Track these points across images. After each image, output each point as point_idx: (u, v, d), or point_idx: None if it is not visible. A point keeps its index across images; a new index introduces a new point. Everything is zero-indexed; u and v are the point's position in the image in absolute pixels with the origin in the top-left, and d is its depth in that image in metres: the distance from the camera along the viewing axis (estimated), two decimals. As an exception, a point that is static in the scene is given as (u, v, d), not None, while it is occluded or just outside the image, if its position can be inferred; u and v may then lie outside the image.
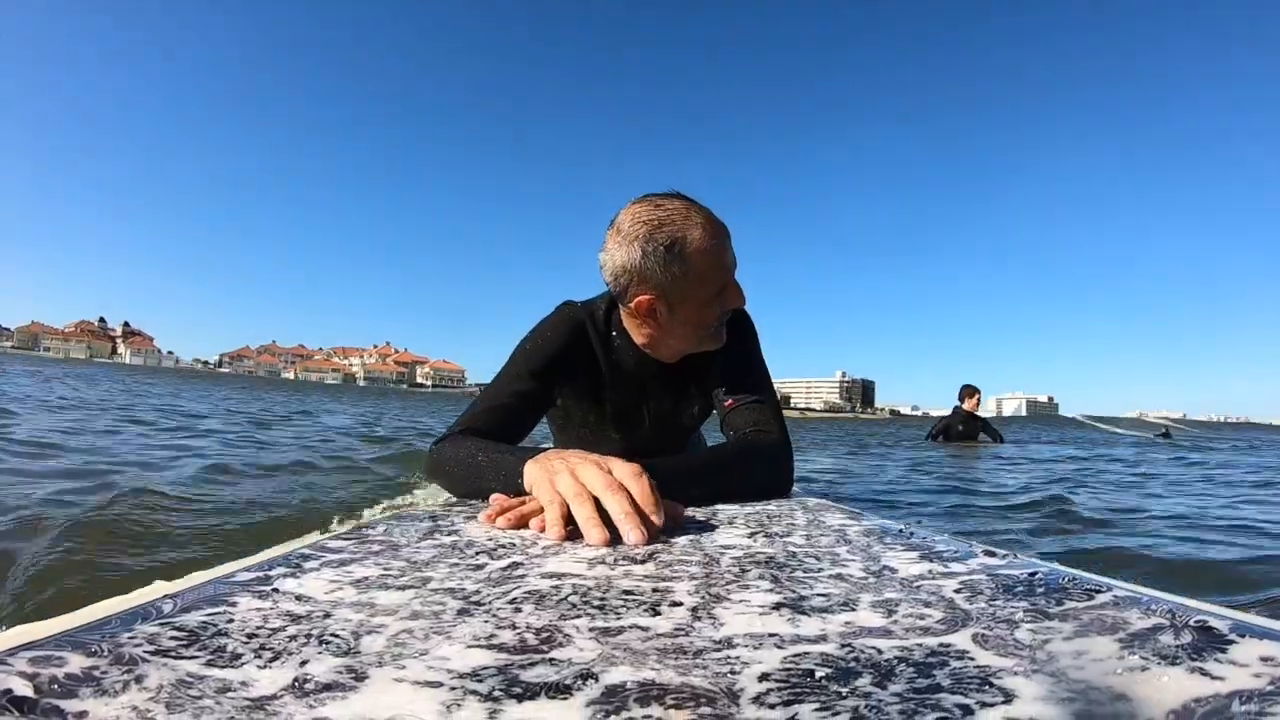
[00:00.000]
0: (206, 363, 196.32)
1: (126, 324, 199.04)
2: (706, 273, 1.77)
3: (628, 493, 1.16)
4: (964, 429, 10.56)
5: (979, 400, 10.66)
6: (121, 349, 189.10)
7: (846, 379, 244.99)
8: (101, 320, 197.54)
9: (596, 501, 1.15)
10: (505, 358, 1.96)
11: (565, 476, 1.21)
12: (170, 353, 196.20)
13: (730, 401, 1.93)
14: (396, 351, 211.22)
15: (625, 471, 1.20)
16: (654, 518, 1.12)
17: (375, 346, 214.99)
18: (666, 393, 2.07)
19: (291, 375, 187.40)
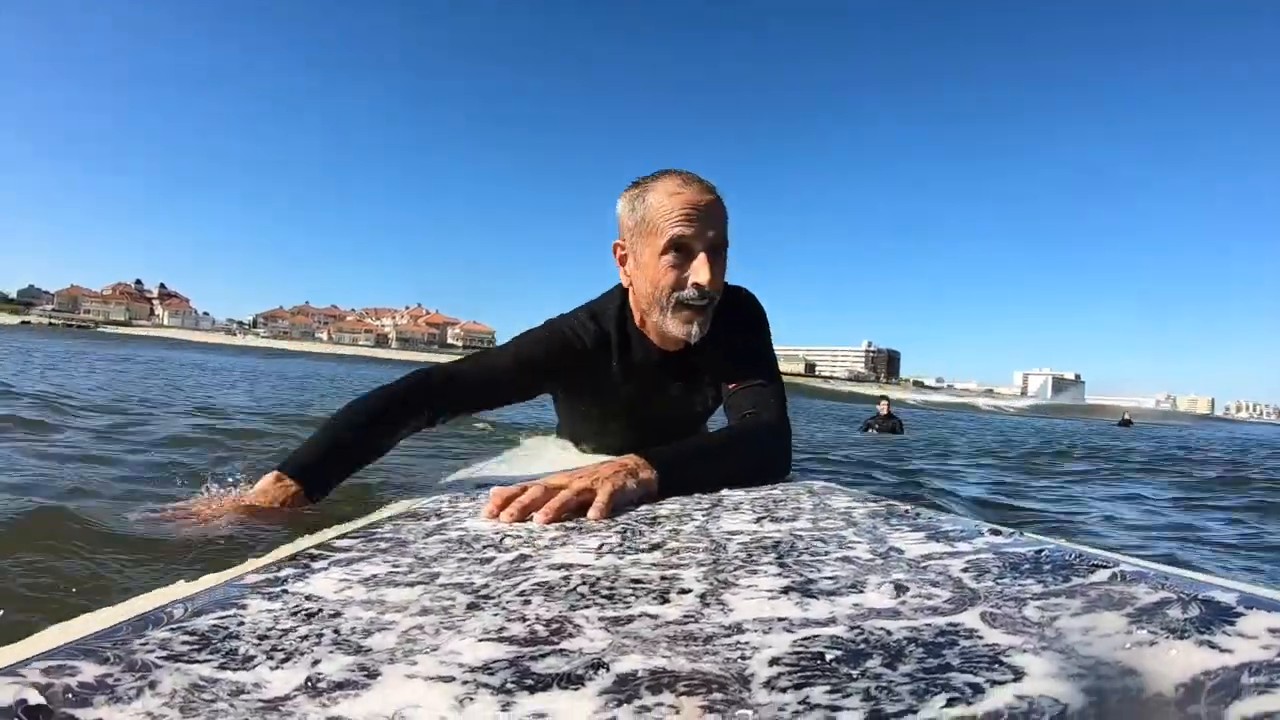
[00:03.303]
0: (241, 323, 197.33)
1: (163, 285, 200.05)
2: (660, 218, 1.75)
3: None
4: (880, 426, 14.00)
5: (888, 404, 14.64)
6: (159, 310, 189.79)
7: (872, 349, 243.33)
8: (138, 282, 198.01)
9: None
10: (534, 321, 2.02)
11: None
12: (206, 313, 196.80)
13: (734, 384, 1.92)
14: (428, 313, 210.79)
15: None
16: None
17: (408, 308, 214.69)
18: (676, 382, 2.06)
19: (325, 336, 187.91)
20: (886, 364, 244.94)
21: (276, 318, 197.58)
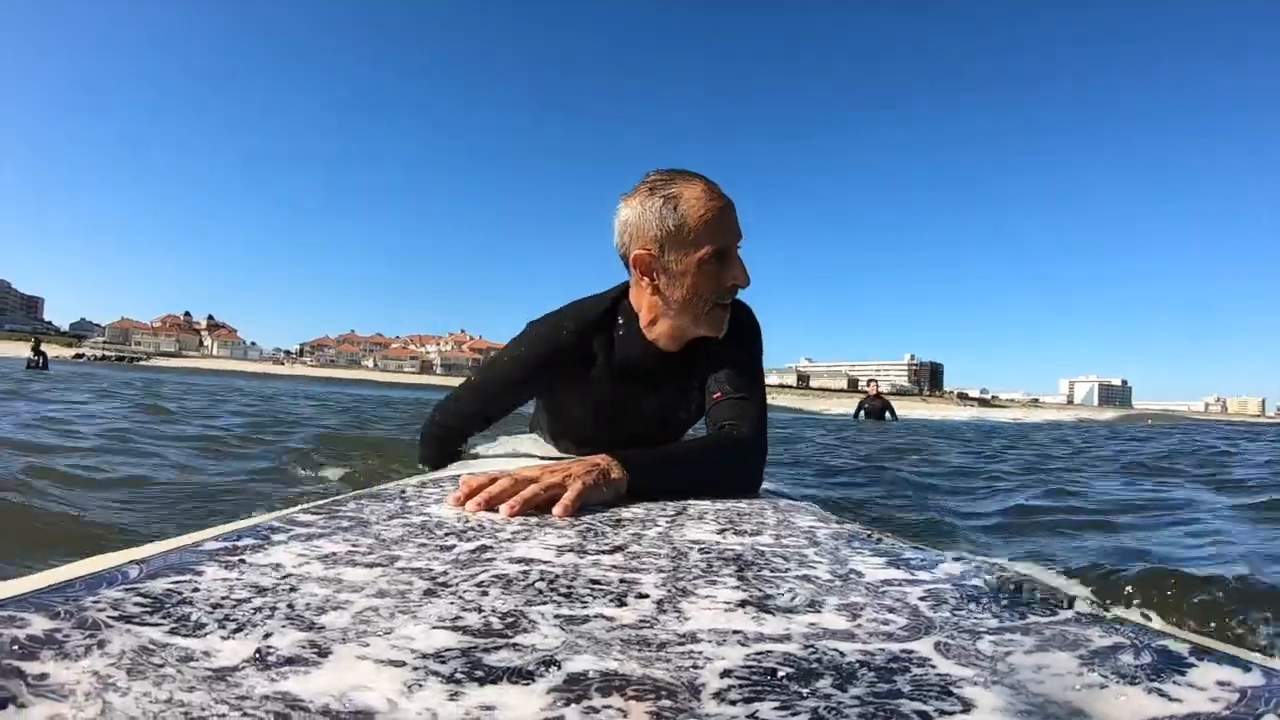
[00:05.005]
0: (288, 352, 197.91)
1: (211, 317, 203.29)
2: (700, 228, 1.81)
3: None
4: (870, 408, 16.54)
5: (877, 387, 17.29)
6: (208, 341, 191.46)
7: (915, 362, 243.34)
8: (187, 314, 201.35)
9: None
10: None
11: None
12: (254, 343, 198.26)
13: (718, 394, 1.93)
14: (471, 338, 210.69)
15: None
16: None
17: (451, 334, 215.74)
18: (669, 383, 2.08)
19: (371, 363, 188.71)
20: (930, 376, 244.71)
21: (323, 346, 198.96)
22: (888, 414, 16.54)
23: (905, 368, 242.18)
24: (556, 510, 1.19)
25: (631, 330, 2.00)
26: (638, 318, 1.99)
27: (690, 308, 1.89)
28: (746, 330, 2.07)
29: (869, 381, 17.27)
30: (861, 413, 16.71)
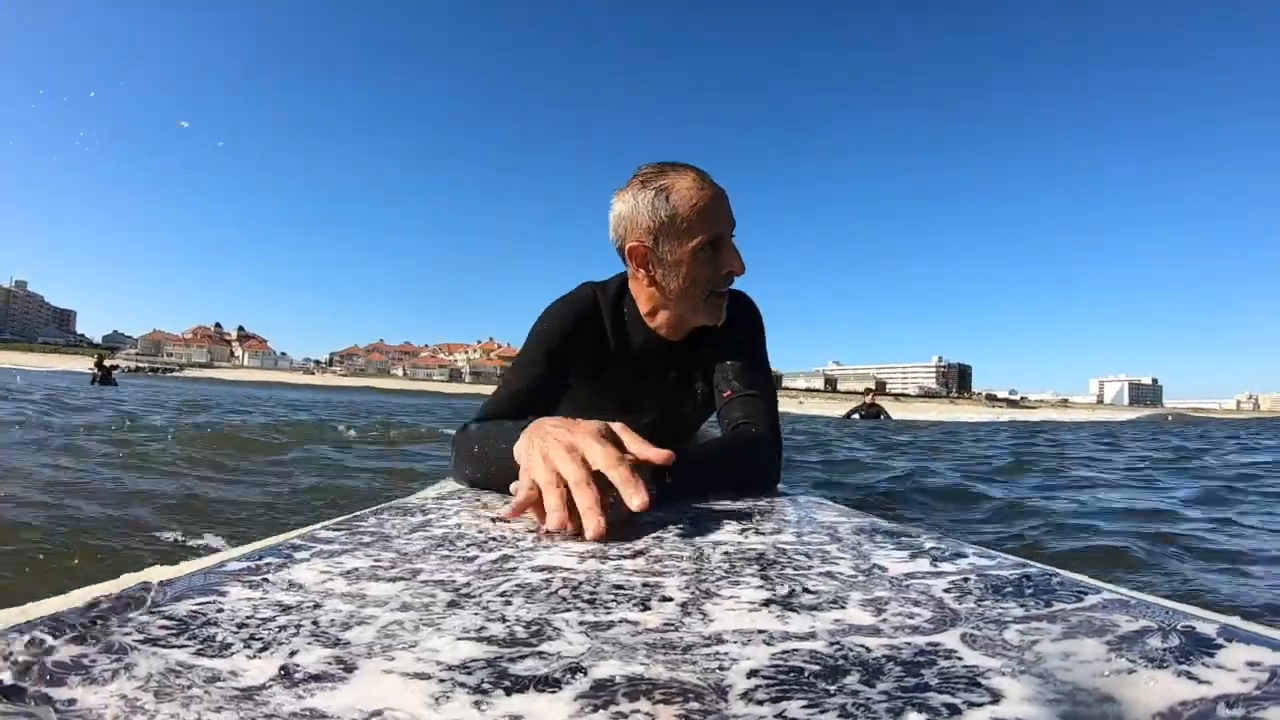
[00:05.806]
0: (318, 361, 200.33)
1: (241, 328, 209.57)
2: (693, 217, 1.84)
3: (596, 485, 1.12)
4: (865, 413, 17.17)
5: (874, 394, 17.56)
6: (238, 351, 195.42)
7: (943, 364, 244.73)
8: (218, 325, 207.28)
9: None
10: None
11: (540, 464, 1.18)
12: (284, 354, 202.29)
13: (728, 392, 1.97)
14: (500, 346, 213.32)
15: (602, 458, 1.16)
16: (630, 502, 1.10)
17: (479, 342, 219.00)
18: (671, 372, 2.10)
19: (400, 372, 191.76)
20: (958, 378, 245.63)
21: (352, 355, 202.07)
22: (882, 416, 17.55)
23: (933, 370, 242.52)
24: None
25: (635, 317, 2.04)
26: (638, 307, 2.03)
27: (688, 297, 1.92)
28: (749, 322, 2.10)
29: (867, 391, 18.62)
30: (856, 415, 17.65)
